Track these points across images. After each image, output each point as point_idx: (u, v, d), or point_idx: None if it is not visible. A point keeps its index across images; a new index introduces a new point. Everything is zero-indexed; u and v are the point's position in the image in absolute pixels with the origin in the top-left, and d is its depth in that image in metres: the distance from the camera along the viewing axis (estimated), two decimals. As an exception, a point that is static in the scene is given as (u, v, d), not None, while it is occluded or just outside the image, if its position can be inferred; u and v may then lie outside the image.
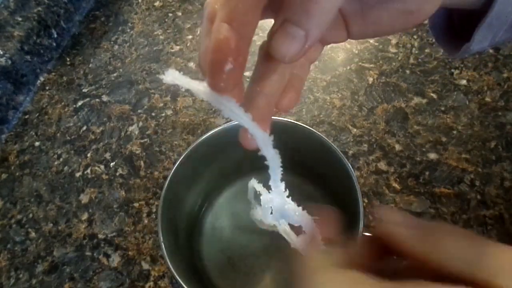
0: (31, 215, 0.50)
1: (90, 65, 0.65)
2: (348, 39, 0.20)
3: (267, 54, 0.16)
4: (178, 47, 0.66)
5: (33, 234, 0.48)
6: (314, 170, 0.43)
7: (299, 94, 0.20)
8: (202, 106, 0.57)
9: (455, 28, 0.23)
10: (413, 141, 0.51)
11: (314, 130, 0.40)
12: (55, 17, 0.66)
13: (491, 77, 0.56)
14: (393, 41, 0.62)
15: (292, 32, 0.15)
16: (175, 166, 0.39)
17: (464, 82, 0.56)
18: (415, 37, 0.63)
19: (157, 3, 0.73)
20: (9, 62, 0.57)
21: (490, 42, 0.21)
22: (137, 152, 0.54)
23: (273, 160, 0.19)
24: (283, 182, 0.21)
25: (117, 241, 0.47)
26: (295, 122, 0.41)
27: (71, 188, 0.52)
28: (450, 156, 0.49)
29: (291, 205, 0.21)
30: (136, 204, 0.49)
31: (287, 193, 0.21)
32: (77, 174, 0.53)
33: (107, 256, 0.46)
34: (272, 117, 0.19)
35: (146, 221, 0.48)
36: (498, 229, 0.44)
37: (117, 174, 0.52)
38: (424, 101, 0.55)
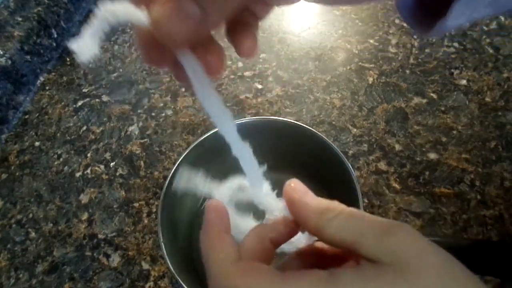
0: (31, 215, 0.50)
1: (90, 65, 0.65)
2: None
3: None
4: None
5: (33, 234, 0.48)
6: (314, 170, 0.43)
7: (257, 39, 0.19)
8: (202, 106, 0.57)
9: (425, 4, 0.21)
10: (413, 141, 0.51)
11: (314, 130, 0.40)
12: (55, 17, 0.66)
13: (491, 77, 0.56)
14: (393, 41, 0.62)
15: (187, 8, 0.13)
16: (175, 166, 0.39)
17: (464, 82, 0.56)
18: (415, 37, 0.63)
19: (157, 3, 0.73)
20: (9, 62, 0.57)
21: (467, 18, 0.18)
22: (137, 152, 0.54)
23: (240, 149, 0.19)
24: (260, 175, 0.20)
25: (117, 241, 0.47)
26: (295, 122, 0.41)
27: (71, 188, 0.52)
28: (450, 156, 0.49)
29: (271, 200, 0.21)
30: (136, 204, 0.49)
31: (267, 187, 0.21)
32: (77, 174, 0.53)
33: (107, 256, 0.46)
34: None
35: (146, 221, 0.48)
36: (498, 229, 0.44)
37: (117, 174, 0.52)
38: (424, 101, 0.55)
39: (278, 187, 0.24)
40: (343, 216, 0.17)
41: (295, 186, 0.19)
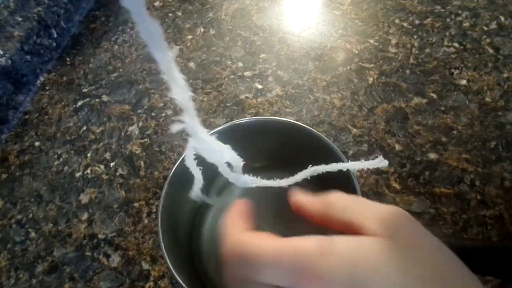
0: (31, 215, 0.50)
1: (90, 65, 0.65)
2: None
3: None
4: (178, 47, 0.66)
5: (33, 234, 0.48)
6: (314, 170, 0.43)
7: None
8: (202, 106, 0.57)
9: None
10: (413, 141, 0.51)
11: (314, 130, 0.40)
12: (55, 17, 0.66)
13: (491, 77, 0.56)
14: (393, 41, 0.62)
15: None
16: (175, 166, 0.39)
17: (464, 82, 0.56)
18: (415, 37, 0.63)
19: (157, 3, 0.73)
20: (9, 62, 0.57)
21: None
22: (137, 152, 0.54)
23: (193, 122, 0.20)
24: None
25: (117, 241, 0.47)
26: (295, 122, 0.41)
27: (71, 188, 0.52)
28: (450, 156, 0.49)
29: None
30: (136, 204, 0.49)
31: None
32: (77, 174, 0.53)
33: (107, 256, 0.46)
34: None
35: (146, 221, 0.48)
36: (498, 229, 0.44)
37: (117, 174, 0.52)
38: (424, 101, 0.55)
39: (278, 186, 0.24)
40: (345, 199, 0.19)
41: (297, 193, 0.22)
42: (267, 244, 0.17)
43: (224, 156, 0.22)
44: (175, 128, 0.20)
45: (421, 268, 0.16)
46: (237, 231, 0.19)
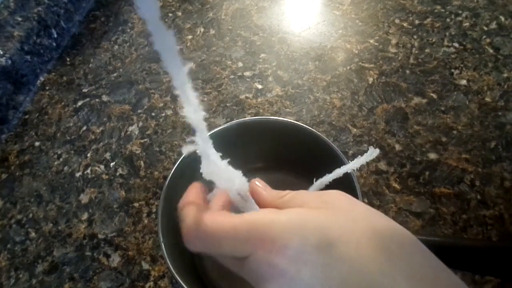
0: (31, 215, 0.50)
1: (90, 65, 0.65)
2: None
3: None
4: (178, 47, 0.66)
5: (33, 234, 0.48)
6: (313, 170, 0.43)
7: None
8: (202, 106, 0.57)
9: None
10: (413, 141, 0.51)
11: (314, 130, 0.40)
12: (55, 17, 0.66)
13: (491, 77, 0.56)
14: (393, 41, 0.62)
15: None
16: (175, 166, 0.39)
17: (464, 82, 0.56)
18: (415, 37, 0.63)
19: (157, 3, 0.73)
20: (9, 62, 0.57)
21: None
22: (137, 152, 0.54)
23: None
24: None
25: (117, 241, 0.47)
26: (295, 122, 0.41)
27: (71, 188, 0.52)
28: (450, 156, 0.49)
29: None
30: (136, 204, 0.49)
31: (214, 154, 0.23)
32: (77, 174, 0.53)
33: (107, 256, 0.46)
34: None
35: (146, 221, 0.48)
36: (498, 229, 0.44)
37: (117, 174, 0.52)
38: (424, 101, 0.55)
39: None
40: (292, 193, 0.22)
41: (259, 182, 0.24)
42: (224, 220, 0.19)
43: (235, 183, 0.23)
44: (186, 150, 0.20)
45: (346, 218, 0.19)
46: (195, 210, 0.21)
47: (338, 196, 0.21)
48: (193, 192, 0.23)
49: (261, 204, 0.23)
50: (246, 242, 0.19)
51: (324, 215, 0.19)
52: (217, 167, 0.22)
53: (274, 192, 0.23)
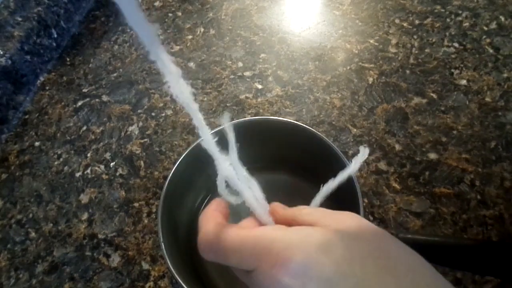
0: (31, 215, 0.50)
1: (90, 65, 0.65)
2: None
3: None
4: (178, 47, 0.66)
5: (33, 234, 0.48)
6: (313, 170, 0.43)
7: None
8: (202, 106, 0.57)
9: None
10: (413, 141, 0.51)
11: (314, 130, 0.40)
12: (55, 17, 0.66)
13: (491, 77, 0.56)
14: (393, 41, 0.62)
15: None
16: (175, 166, 0.39)
17: (464, 82, 0.56)
18: (415, 37, 0.63)
19: (157, 3, 0.73)
20: (9, 62, 0.57)
21: None
22: (137, 152, 0.54)
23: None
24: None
25: (117, 241, 0.47)
26: (295, 122, 0.41)
27: (71, 188, 0.52)
28: (450, 156, 0.49)
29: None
30: (136, 204, 0.49)
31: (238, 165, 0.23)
32: (77, 174, 0.53)
33: (107, 256, 0.46)
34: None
35: (146, 221, 0.48)
36: (498, 229, 0.44)
37: (117, 174, 0.52)
38: (424, 101, 0.55)
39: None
40: (310, 209, 0.23)
41: (277, 203, 0.25)
42: (233, 234, 0.20)
43: (252, 193, 0.23)
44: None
45: (358, 244, 0.19)
46: (212, 223, 0.22)
47: (349, 217, 0.22)
48: (213, 205, 0.24)
49: (279, 220, 0.24)
50: (251, 256, 0.19)
51: (331, 233, 0.19)
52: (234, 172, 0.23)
53: (295, 208, 0.24)
